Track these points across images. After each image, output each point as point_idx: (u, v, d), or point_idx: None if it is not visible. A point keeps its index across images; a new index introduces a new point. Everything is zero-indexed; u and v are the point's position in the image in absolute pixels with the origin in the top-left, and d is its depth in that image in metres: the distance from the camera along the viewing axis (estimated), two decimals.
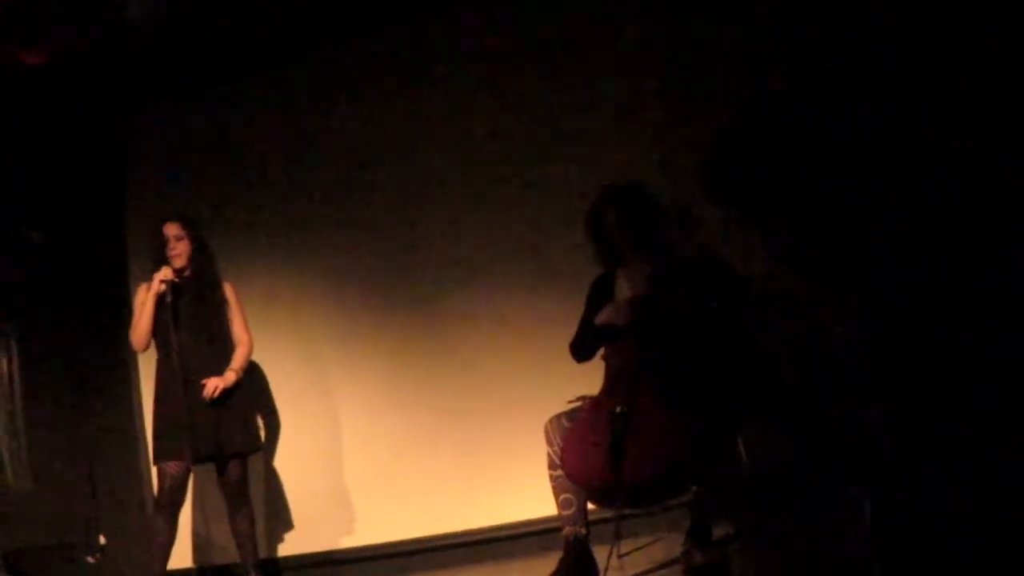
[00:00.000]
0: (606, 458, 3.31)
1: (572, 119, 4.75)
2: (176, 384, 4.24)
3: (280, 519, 5.11)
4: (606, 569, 3.35)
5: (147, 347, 4.45)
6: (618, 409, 3.35)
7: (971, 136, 3.66)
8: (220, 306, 4.51)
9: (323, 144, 5.29)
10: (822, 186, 4.02)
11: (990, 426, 3.26)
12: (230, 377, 4.39)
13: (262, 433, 4.87)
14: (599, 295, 3.79)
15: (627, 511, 3.47)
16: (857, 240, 3.92)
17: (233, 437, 4.37)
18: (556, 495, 3.60)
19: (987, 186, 3.60)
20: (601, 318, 3.64)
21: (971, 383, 3.39)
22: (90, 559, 5.17)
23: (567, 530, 3.58)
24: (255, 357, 4.70)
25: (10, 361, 5.05)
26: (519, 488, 4.45)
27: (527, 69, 4.86)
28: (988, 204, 3.58)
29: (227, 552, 4.84)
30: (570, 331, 3.81)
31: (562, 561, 3.53)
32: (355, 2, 4.95)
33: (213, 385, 4.32)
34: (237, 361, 4.47)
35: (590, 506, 3.60)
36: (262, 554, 4.68)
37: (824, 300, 3.95)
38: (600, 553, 3.52)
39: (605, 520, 3.61)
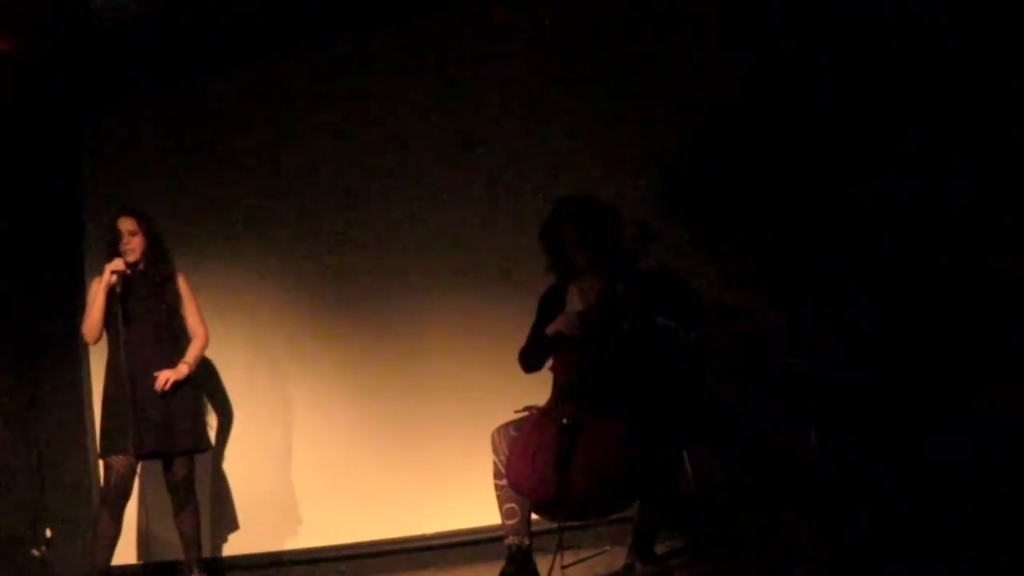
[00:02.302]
0: (551, 470, 3.30)
1: (531, 129, 4.77)
2: (124, 378, 4.20)
3: (226, 518, 5.06)
4: None
5: (99, 339, 4.41)
6: (565, 421, 3.34)
7: (920, 160, 3.72)
8: (173, 301, 4.47)
9: (281, 142, 5.26)
10: (774, 211, 4.06)
11: (926, 454, 3.32)
12: (183, 369, 4.36)
13: (211, 431, 4.84)
14: (551, 306, 3.78)
15: (571, 523, 3.48)
16: (806, 268, 3.97)
17: (181, 434, 4.34)
18: (500, 504, 3.60)
19: (931, 220, 3.65)
20: (552, 328, 3.64)
21: (909, 414, 3.44)
22: (35, 552, 5.13)
23: (510, 540, 3.58)
24: (208, 354, 4.67)
25: None
26: (464, 496, 4.44)
27: (489, 80, 4.89)
28: (935, 236, 3.63)
29: (172, 549, 4.78)
30: (521, 340, 3.82)
31: (504, 570, 3.54)
32: (312, 5, 4.95)
33: (165, 377, 4.29)
34: (191, 354, 4.44)
35: (534, 516, 3.59)
36: (207, 553, 4.67)
37: (772, 326, 3.99)
38: (543, 564, 3.53)
39: (549, 531, 3.61)
